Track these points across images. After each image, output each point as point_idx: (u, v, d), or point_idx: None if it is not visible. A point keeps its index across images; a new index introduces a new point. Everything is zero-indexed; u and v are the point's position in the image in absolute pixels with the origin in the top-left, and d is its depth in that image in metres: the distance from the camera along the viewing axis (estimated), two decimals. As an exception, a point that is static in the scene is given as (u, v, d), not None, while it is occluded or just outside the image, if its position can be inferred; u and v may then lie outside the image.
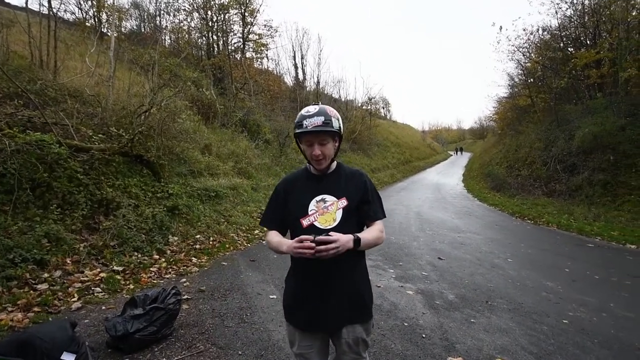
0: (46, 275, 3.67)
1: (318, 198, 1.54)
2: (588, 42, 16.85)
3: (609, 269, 5.50)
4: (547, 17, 41.56)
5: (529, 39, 19.21)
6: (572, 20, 17.36)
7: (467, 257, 5.84)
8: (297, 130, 1.49)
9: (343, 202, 1.53)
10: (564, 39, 18.11)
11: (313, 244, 1.32)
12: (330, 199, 1.54)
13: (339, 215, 1.51)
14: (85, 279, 3.82)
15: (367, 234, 1.51)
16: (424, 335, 3.11)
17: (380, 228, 1.59)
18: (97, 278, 3.89)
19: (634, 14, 13.73)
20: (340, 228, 1.46)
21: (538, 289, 4.48)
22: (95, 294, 3.60)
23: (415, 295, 4.10)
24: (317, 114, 1.47)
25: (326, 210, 1.51)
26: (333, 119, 1.50)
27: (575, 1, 16.58)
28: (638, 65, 12.71)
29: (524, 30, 28.13)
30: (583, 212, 10.36)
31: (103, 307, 3.37)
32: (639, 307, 3.95)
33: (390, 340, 3.01)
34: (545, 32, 18.71)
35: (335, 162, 1.64)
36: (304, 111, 1.52)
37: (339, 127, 1.53)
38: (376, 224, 1.59)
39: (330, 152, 1.55)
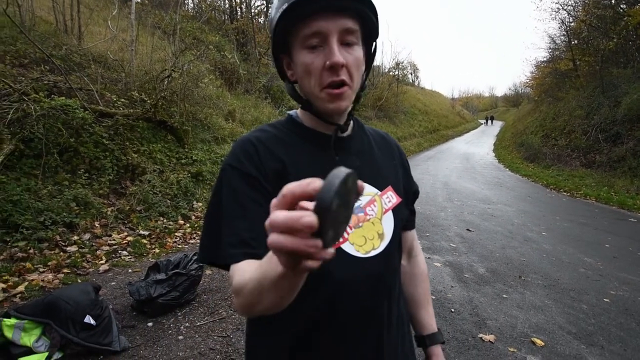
0: (75, 237, 3.76)
1: None
2: (645, -3, 15.16)
3: (655, 246, 5.12)
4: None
5: (575, -5, 17.55)
6: (628, -29, 15.61)
7: (497, 230, 5.58)
8: (287, 4, 0.63)
9: (391, 197, 0.79)
10: (617, -6, 16.39)
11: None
12: (365, 189, 0.76)
13: (388, 224, 0.77)
14: (113, 242, 3.89)
15: (429, 302, 0.96)
16: (452, 310, 2.98)
17: (419, 248, 1.01)
18: (124, 242, 3.95)
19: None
20: (391, 252, 0.76)
21: (575, 265, 4.22)
22: (122, 257, 3.66)
23: (443, 267, 3.95)
24: None
25: (365, 217, 0.75)
26: None
27: (633, -51, 14.84)
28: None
29: (571, -15, 25.69)
30: (625, 185, 9.71)
31: (129, 270, 3.43)
32: (689, 288, 3.66)
33: (416, 313, 2.90)
34: (596, -13, 16.97)
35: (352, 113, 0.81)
36: None
37: (377, 18, 0.71)
38: (414, 238, 0.98)
39: (360, 70, 0.71)
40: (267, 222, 0.34)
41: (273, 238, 0.33)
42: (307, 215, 0.31)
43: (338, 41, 0.65)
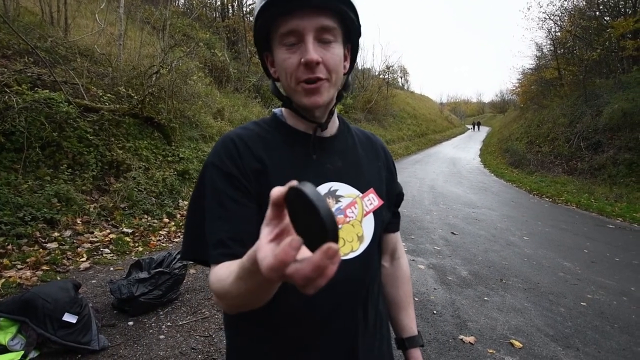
0: (56, 234, 3.68)
1: (323, 189, 0.74)
2: (627, 10, 15.65)
3: (631, 252, 5.28)
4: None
5: (562, 6, 18.00)
6: (612, -15, 16.11)
7: (481, 233, 5.68)
8: (265, 1, 0.64)
9: (373, 199, 0.78)
10: (601, 7, 16.88)
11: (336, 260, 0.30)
12: (346, 191, 0.76)
13: (368, 226, 0.77)
14: (95, 239, 3.82)
15: (410, 304, 0.95)
16: (435, 312, 3.02)
17: (403, 251, 0.99)
18: (107, 239, 3.89)
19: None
20: (370, 255, 0.76)
21: (555, 269, 4.32)
22: (104, 255, 3.60)
23: (426, 269, 4.00)
24: None
25: (345, 219, 0.75)
26: None
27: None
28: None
29: (558, -5, 26.33)
30: (604, 192, 10.00)
31: (111, 268, 3.37)
32: (662, 293, 3.78)
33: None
34: (581, -2, 17.47)
35: (334, 112, 0.79)
36: None
37: (357, 17, 0.71)
38: (398, 240, 0.96)
39: (339, 67, 0.70)
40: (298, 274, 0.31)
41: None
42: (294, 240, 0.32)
43: (315, 39, 0.65)
